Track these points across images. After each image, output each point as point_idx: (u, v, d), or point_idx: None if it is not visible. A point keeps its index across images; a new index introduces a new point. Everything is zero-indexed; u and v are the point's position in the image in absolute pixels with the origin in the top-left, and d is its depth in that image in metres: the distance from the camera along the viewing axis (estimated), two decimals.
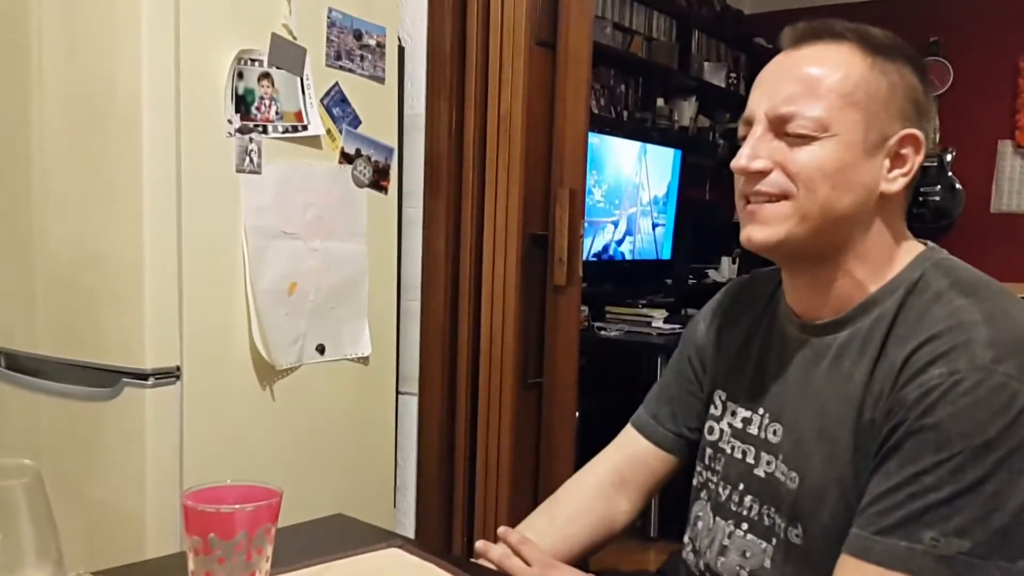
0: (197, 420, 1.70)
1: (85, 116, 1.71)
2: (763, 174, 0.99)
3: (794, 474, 1.01)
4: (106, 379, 1.69)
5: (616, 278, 4.14)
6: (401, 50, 2.19)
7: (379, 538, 1.15)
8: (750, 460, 1.09)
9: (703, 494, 1.16)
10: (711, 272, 4.89)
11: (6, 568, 0.65)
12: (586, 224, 2.32)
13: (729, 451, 1.12)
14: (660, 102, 4.88)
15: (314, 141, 1.88)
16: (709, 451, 1.16)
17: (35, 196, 1.81)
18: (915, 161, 1.00)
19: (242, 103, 1.73)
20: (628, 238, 4.25)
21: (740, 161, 1.00)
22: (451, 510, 2.30)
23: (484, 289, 2.22)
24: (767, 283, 1.18)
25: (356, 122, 1.98)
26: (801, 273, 1.05)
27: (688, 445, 1.22)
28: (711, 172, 5.38)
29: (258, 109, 1.76)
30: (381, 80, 2.05)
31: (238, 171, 1.74)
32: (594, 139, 3.69)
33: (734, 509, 1.09)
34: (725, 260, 4.88)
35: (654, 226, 4.45)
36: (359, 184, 2.00)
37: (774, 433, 1.06)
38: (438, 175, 2.24)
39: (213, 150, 1.70)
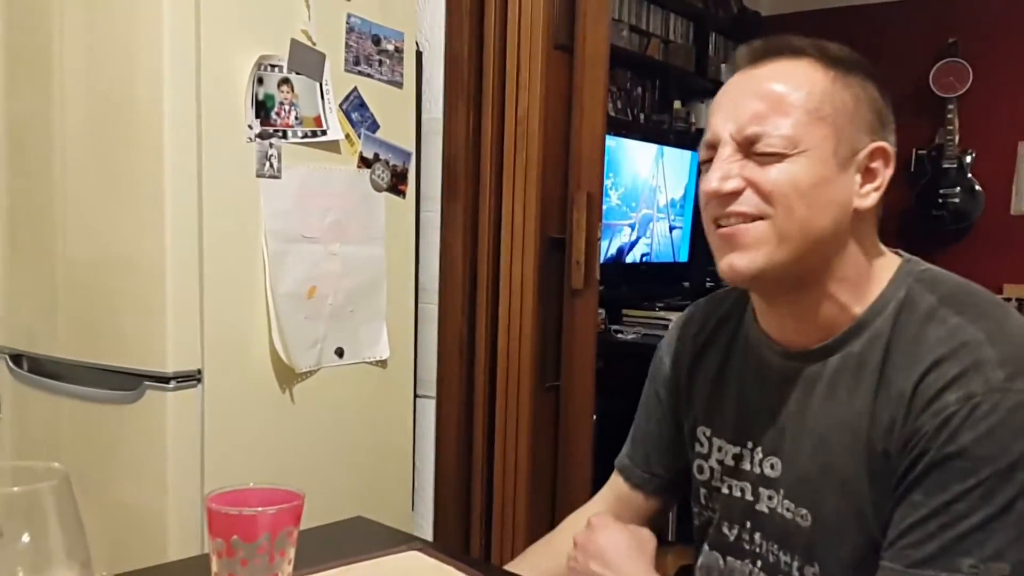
0: (218, 422, 1.72)
1: (107, 122, 1.73)
2: (736, 195, 0.95)
3: (804, 511, 0.99)
4: (128, 382, 1.70)
5: (633, 281, 4.14)
6: (419, 55, 2.20)
7: (399, 540, 1.16)
8: (749, 497, 1.06)
9: (709, 535, 1.13)
10: None
11: (36, 569, 0.66)
12: (603, 227, 2.33)
13: (726, 491, 1.09)
14: (677, 104, 4.87)
15: (333, 146, 1.89)
16: (703, 491, 1.13)
17: (57, 201, 1.83)
18: (886, 175, 0.97)
19: (262, 108, 1.75)
20: (645, 241, 4.24)
21: (711, 184, 0.95)
22: (469, 512, 2.30)
23: (501, 292, 2.22)
24: (731, 306, 1.14)
25: (374, 127, 1.99)
26: (782, 301, 1.02)
27: (667, 485, 1.20)
28: None
29: (278, 114, 1.78)
30: (399, 85, 2.06)
31: (258, 176, 1.75)
32: (611, 142, 3.69)
33: (747, 548, 1.07)
34: None
35: (671, 229, 4.44)
36: (377, 188, 2.01)
37: (771, 467, 1.03)
38: (455, 179, 2.24)
39: (233, 155, 1.72)
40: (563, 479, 2.28)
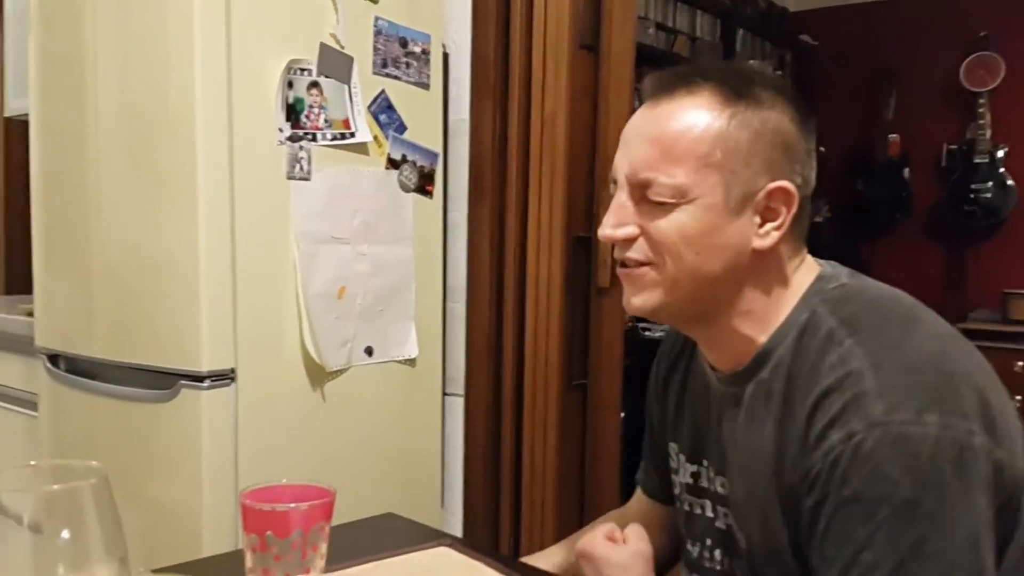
0: (251, 420, 1.74)
1: (140, 126, 1.76)
2: (630, 241, 0.97)
3: (741, 534, 1.00)
4: (163, 381, 1.73)
5: None
6: (445, 56, 2.22)
7: (429, 537, 1.18)
8: (709, 514, 1.06)
9: (683, 552, 1.13)
10: None
11: (75, 564, 0.68)
12: None
13: (688, 508, 1.10)
14: None
15: (361, 148, 1.91)
16: (679, 505, 1.14)
17: (92, 204, 1.87)
18: (787, 215, 0.95)
19: (292, 112, 1.78)
20: None
21: (605, 230, 0.98)
22: (498, 510, 2.32)
23: (528, 291, 2.23)
24: None
25: (402, 128, 2.01)
26: (692, 332, 1.04)
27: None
28: None
29: (307, 117, 1.80)
30: (426, 86, 2.08)
31: (288, 178, 1.78)
32: None
33: (707, 566, 1.07)
34: None
35: None
36: (405, 189, 2.03)
37: (722, 486, 1.04)
38: (482, 179, 2.26)
39: (264, 158, 1.74)
40: (591, 476, 2.29)
